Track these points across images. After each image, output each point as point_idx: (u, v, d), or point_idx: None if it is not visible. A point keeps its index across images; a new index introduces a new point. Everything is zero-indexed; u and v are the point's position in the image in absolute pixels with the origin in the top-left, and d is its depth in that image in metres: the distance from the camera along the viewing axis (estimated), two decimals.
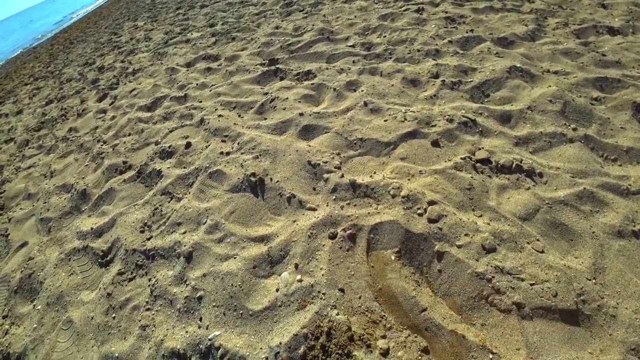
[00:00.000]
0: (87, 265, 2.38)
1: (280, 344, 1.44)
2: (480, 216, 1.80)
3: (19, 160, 4.53)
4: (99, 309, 2.01)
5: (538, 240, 1.68)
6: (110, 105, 4.72)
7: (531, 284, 1.49)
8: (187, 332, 1.68)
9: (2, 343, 2.15)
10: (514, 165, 2.02)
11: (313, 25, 4.58)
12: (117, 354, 1.77)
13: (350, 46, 3.76)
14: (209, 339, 1.59)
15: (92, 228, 2.57)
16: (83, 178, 3.28)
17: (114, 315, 1.96)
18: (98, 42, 9.76)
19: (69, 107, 5.40)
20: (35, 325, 2.13)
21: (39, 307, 2.23)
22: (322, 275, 1.61)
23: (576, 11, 3.63)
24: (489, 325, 1.43)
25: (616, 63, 2.76)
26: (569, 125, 2.26)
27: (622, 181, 1.90)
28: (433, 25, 3.75)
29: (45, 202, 3.21)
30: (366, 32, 4.00)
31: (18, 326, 2.24)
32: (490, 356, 1.34)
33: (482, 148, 2.17)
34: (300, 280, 1.62)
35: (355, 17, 4.50)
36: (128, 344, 1.79)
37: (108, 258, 2.32)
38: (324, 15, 4.86)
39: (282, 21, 5.18)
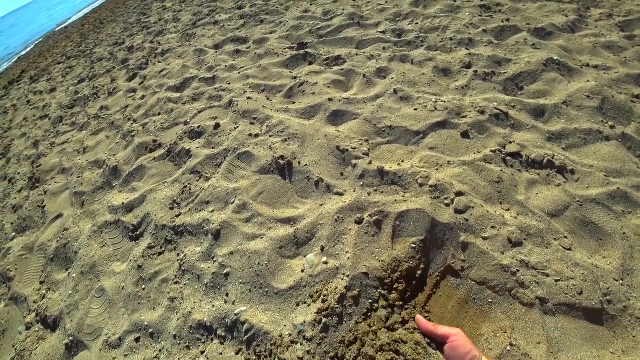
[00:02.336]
0: (118, 238, 2.49)
1: (305, 322, 1.49)
2: (508, 210, 1.78)
3: (53, 136, 4.72)
4: (130, 280, 2.10)
5: (566, 237, 1.65)
6: (140, 85, 4.82)
7: (556, 280, 1.47)
8: (213, 306, 1.75)
9: (40, 306, 2.30)
10: (545, 161, 1.98)
11: (343, 9, 4.52)
12: (146, 323, 1.86)
13: (380, 32, 3.70)
14: (235, 314, 1.65)
15: (123, 203, 2.67)
16: (114, 155, 3.40)
17: (143, 286, 2.05)
18: (127, 22, 9.91)
19: (100, 86, 5.55)
20: (70, 292, 2.25)
21: (73, 275, 2.35)
22: (348, 258, 1.64)
23: (622, 2, 3.45)
24: (511, 318, 1.43)
25: None
26: (607, 123, 2.19)
27: None
28: (467, 13, 3.65)
29: (78, 177, 3.35)
30: (397, 19, 3.93)
31: (54, 292, 2.38)
32: (509, 348, 1.35)
33: (513, 142, 2.13)
34: (325, 263, 1.66)
35: (387, 2, 4.41)
36: (157, 314, 1.88)
37: (138, 232, 2.42)
38: (354, 0, 4.79)
39: (311, 5, 5.13)
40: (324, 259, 1.67)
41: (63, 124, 4.94)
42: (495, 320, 1.45)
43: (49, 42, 15.43)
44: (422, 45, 3.27)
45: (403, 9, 4.05)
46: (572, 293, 1.43)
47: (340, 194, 2.01)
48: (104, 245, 2.49)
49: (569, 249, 1.61)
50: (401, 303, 1.49)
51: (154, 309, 1.94)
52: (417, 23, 3.69)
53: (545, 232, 1.67)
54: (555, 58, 2.70)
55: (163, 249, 2.21)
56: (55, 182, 3.57)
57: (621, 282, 1.50)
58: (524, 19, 3.36)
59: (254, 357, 1.52)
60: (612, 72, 2.57)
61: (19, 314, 2.38)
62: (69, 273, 2.42)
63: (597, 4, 3.49)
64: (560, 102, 2.35)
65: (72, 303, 2.20)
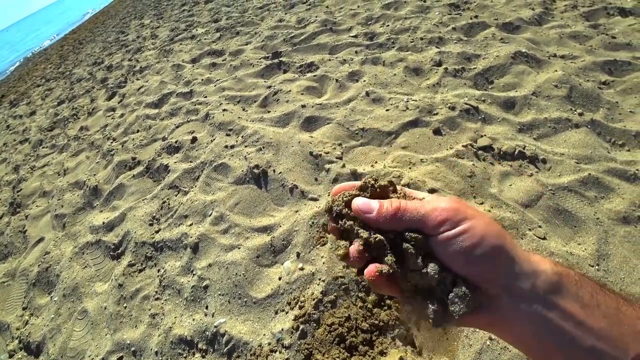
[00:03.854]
0: (99, 258, 2.46)
1: (282, 330, 1.48)
2: (482, 203, 1.79)
3: (33, 159, 4.66)
4: (112, 299, 2.08)
5: (540, 226, 1.67)
6: (119, 103, 4.80)
7: None
8: (194, 319, 1.74)
9: (22, 333, 2.25)
10: (516, 152, 2.00)
11: (316, 16, 4.56)
12: (128, 341, 1.83)
13: (353, 36, 3.74)
14: (215, 326, 1.64)
15: (103, 222, 2.65)
16: (94, 175, 3.37)
17: (125, 305, 2.03)
18: (106, 41, 9.88)
19: (80, 107, 5.51)
20: (52, 316, 2.22)
21: (55, 299, 2.32)
22: (323, 263, 1.64)
23: None
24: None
25: (627, 45, 2.69)
26: (575, 111, 2.23)
27: (629, 166, 1.87)
28: (437, 13, 3.71)
29: (59, 199, 3.31)
30: (369, 22, 3.98)
31: (37, 317, 2.34)
32: (489, 342, 1.35)
33: (485, 135, 2.15)
34: (302, 269, 1.66)
35: (359, 7, 4.46)
36: (139, 332, 1.85)
37: (119, 251, 2.40)
38: (327, 7, 4.84)
39: (286, 14, 5.17)
40: (300, 265, 1.67)
41: (43, 147, 4.89)
42: None
43: (28, 65, 15.30)
44: (393, 47, 3.31)
45: (374, 12, 4.10)
46: None
47: (315, 199, 2.01)
48: (85, 266, 2.46)
49: (544, 238, 1.63)
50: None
51: (135, 326, 1.91)
52: (388, 25, 3.73)
53: (520, 223, 1.68)
54: (523, 51, 2.75)
55: (143, 266, 2.19)
56: (36, 206, 3.53)
57: (597, 267, 1.51)
58: (492, 14, 3.42)
59: None
60: (578, 60, 2.62)
61: (2, 342, 2.33)
62: (51, 297, 2.39)
63: None
64: (530, 93, 2.39)
65: (55, 327, 2.16)
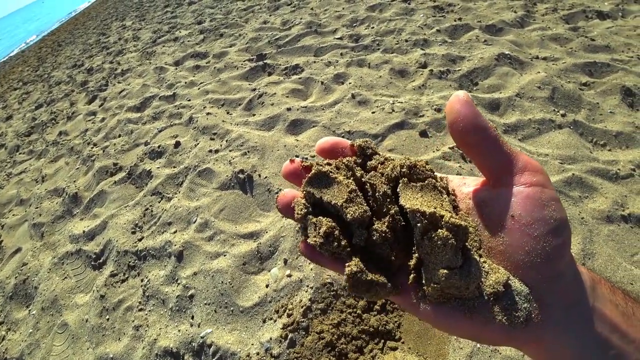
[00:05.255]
0: (80, 269, 2.38)
1: (271, 339, 1.45)
2: None
3: (10, 166, 4.50)
4: (93, 312, 2.01)
5: None
6: (99, 107, 4.68)
7: None
8: (179, 330, 1.68)
9: None
10: None
11: (301, 18, 4.54)
12: (111, 355, 1.77)
13: (338, 38, 3.73)
14: (201, 337, 1.59)
15: (84, 231, 2.56)
16: (74, 181, 3.27)
17: (107, 317, 1.96)
18: (86, 43, 9.66)
19: (59, 111, 5.36)
20: (31, 330, 2.13)
21: (34, 312, 2.23)
22: (311, 269, 1.61)
23: None
24: None
25: (605, 47, 2.74)
26: (558, 112, 2.26)
27: (611, 166, 1.90)
28: (421, 15, 3.73)
29: (37, 207, 3.20)
30: (354, 24, 3.98)
31: (14, 332, 2.25)
32: (479, 345, 1.34)
33: None
34: (289, 276, 1.62)
35: (343, 9, 4.46)
36: (122, 345, 1.79)
37: (101, 260, 2.32)
38: (311, 8, 4.82)
39: (270, 16, 5.13)
40: (288, 272, 1.64)
41: (20, 153, 4.73)
42: None
43: (4, 67, 14.86)
44: (378, 49, 3.31)
45: (359, 14, 4.10)
46: None
47: None
48: (65, 277, 2.37)
49: None
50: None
51: (119, 339, 1.85)
52: (373, 27, 3.74)
53: None
54: (507, 52, 2.78)
55: (126, 276, 2.13)
56: (13, 215, 3.40)
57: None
58: (476, 17, 3.46)
59: None
60: (560, 62, 2.66)
61: None
62: (30, 310, 2.30)
63: None
64: (514, 95, 2.41)
65: (33, 342, 2.08)
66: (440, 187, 0.35)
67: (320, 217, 0.35)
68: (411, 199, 0.33)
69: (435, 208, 0.32)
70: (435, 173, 0.38)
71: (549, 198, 0.32)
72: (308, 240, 0.35)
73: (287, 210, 0.39)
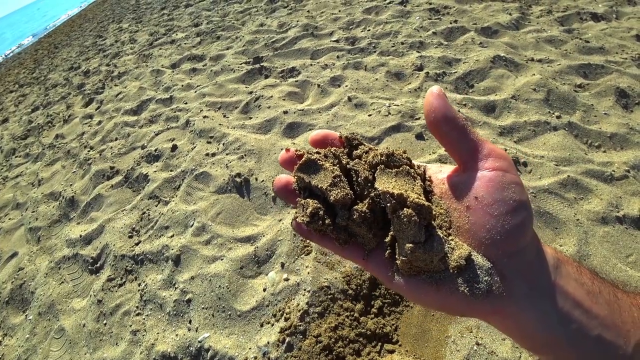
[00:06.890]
0: (77, 273, 2.37)
1: (268, 343, 1.45)
2: None
3: (6, 169, 4.49)
4: (90, 316, 2.00)
5: None
6: (96, 110, 4.67)
7: None
8: (177, 335, 1.68)
9: None
10: None
11: (297, 21, 4.55)
12: None
13: (334, 41, 3.74)
14: (199, 341, 1.59)
15: (81, 235, 2.56)
16: (71, 185, 3.26)
17: (105, 321, 1.96)
18: (83, 45, 9.63)
19: (55, 114, 5.34)
20: (27, 336, 2.12)
21: (30, 317, 2.22)
22: (308, 273, 1.61)
23: None
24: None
25: (600, 49, 2.77)
26: (553, 113, 2.27)
27: (606, 167, 1.91)
28: (417, 17, 3.74)
29: (33, 211, 3.18)
30: (350, 27, 3.99)
31: (11, 337, 2.23)
32: (476, 347, 1.35)
33: None
34: (286, 279, 1.63)
35: (340, 11, 4.47)
36: (120, 350, 1.79)
37: (98, 265, 2.31)
38: (308, 11, 4.83)
39: (267, 18, 5.14)
40: (285, 275, 1.64)
41: (16, 156, 4.71)
42: (460, 321, 1.46)
43: (0, 70, 14.79)
44: (374, 51, 3.32)
45: (356, 16, 4.12)
46: None
47: None
48: (62, 282, 2.36)
49: None
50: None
51: (116, 344, 1.85)
52: (369, 30, 3.75)
53: None
54: (502, 55, 2.79)
55: (124, 280, 2.12)
56: (9, 219, 3.39)
57: None
58: (471, 19, 3.48)
59: None
60: (554, 64, 2.68)
61: None
62: (26, 315, 2.29)
63: (538, 1, 3.66)
64: (509, 97, 2.43)
65: (30, 347, 2.07)
66: (413, 173, 0.39)
67: (308, 199, 0.40)
68: (385, 183, 0.38)
69: (406, 191, 0.36)
70: (413, 162, 0.43)
71: (509, 181, 0.35)
72: (297, 219, 0.40)
73: (281, 192, 0.44)
